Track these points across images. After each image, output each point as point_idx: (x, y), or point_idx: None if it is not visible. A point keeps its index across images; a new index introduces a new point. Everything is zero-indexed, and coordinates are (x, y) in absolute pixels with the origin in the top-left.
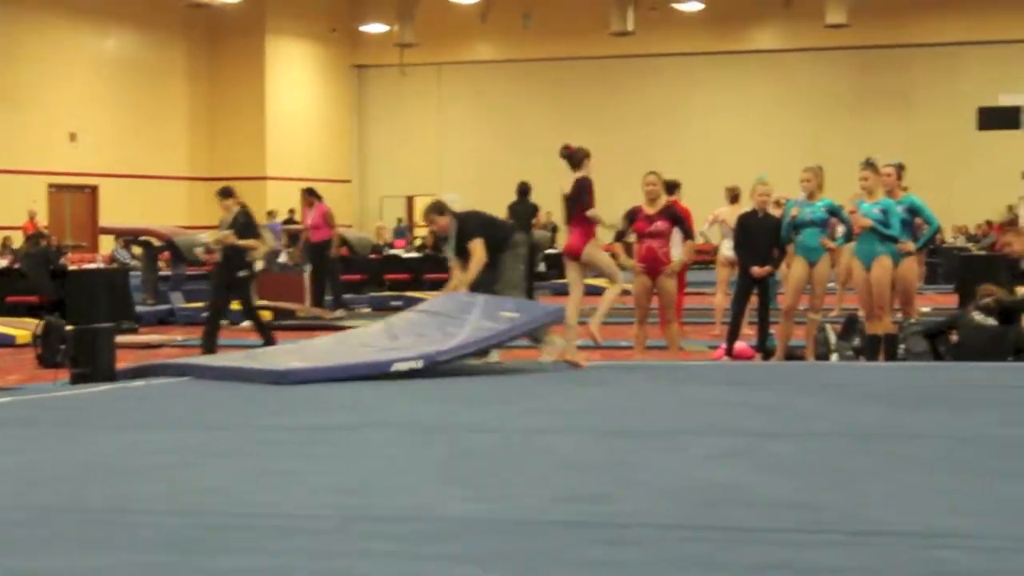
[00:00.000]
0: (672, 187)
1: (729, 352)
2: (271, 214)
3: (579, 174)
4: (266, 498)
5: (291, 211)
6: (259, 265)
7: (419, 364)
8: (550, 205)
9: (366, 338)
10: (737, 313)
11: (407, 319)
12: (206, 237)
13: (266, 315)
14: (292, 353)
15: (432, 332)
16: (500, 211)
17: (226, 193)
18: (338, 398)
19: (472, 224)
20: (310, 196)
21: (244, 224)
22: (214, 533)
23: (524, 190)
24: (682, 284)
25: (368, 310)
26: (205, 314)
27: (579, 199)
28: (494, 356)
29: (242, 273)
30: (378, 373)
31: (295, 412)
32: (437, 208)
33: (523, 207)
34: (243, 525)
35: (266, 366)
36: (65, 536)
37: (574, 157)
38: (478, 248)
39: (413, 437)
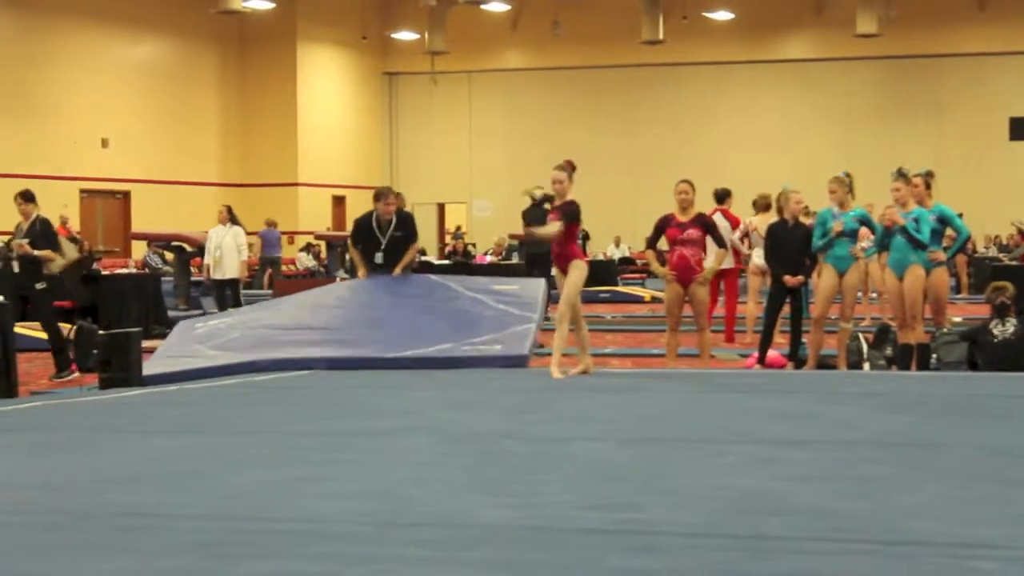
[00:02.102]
0: (723, 196)
1: (761, 361)
2: (269, 224)
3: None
4: (299, 503)
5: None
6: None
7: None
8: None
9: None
10: (769, 322)
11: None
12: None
13: None
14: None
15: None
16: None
17: (28, 197)
18: (367, 404)
19: (412, 223)
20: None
21: (42, 233)
22: (247, 538)
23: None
24: (734, 292)
25: None
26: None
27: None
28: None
29: (39, 285)
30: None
31: (326, 418)
32: (397, 195)
33: (537, 213)
34: (276, 530)
35: (494, 352)
36: (96, 541)
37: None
38: (415, 250)
39: (444, 444)
